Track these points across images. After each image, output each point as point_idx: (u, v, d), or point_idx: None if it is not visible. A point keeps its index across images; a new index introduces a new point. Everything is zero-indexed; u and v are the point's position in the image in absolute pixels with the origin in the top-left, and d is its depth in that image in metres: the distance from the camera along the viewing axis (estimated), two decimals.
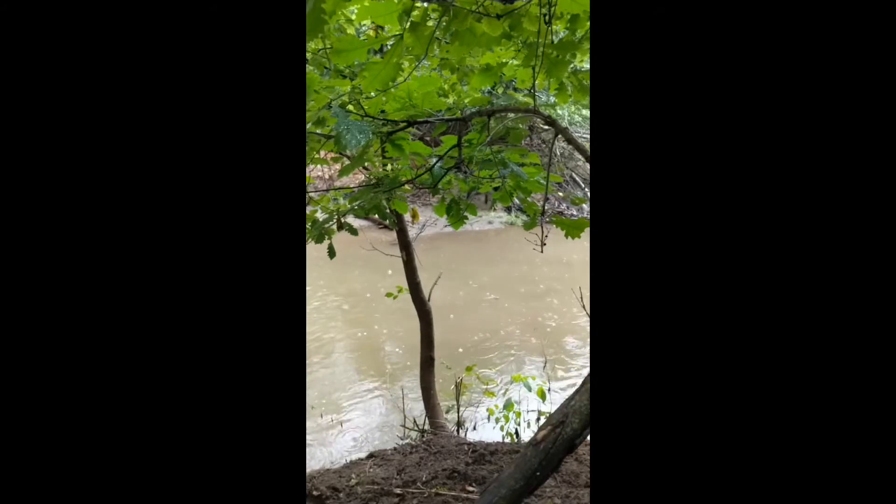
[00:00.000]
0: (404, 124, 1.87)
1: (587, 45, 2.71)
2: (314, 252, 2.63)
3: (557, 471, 0.95)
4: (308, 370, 4.66)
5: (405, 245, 3.63)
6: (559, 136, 1.75)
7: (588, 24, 2.44)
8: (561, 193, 11.44)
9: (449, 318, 6.01)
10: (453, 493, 2.68)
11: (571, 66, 3.35)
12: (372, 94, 1.85)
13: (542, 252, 1.64)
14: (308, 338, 5.37)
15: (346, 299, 6.75)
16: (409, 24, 1.41)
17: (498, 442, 3.32)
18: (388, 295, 3.73)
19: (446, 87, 2.27)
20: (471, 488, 2.73)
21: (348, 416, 4.24)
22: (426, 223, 9.31)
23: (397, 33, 1.48)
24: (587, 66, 3.34)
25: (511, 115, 1.99)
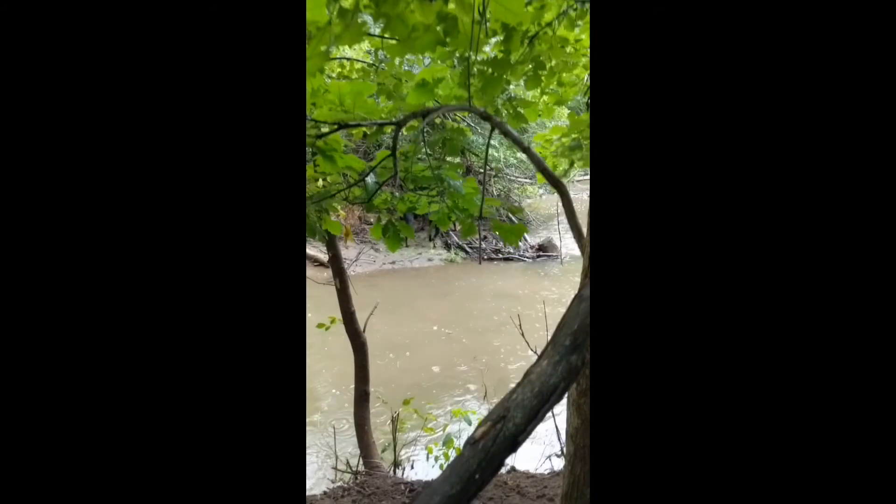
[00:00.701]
0: (334, 127, 1.77)
1: (521, 69, 2.74)
2: None
3: (497, 474, 0.83)
4: None
5: (338, 272, 3.47)
6: (495, 130, 1.70)
7: (520, 44, 2.46)
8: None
9: (388, 356, 5.80)
10: None
11: (506, 90, 3.39)
12: None
13: (479, 263, 1.55)
14: None
15: None
16: (337, 10, 1.33)
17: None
18: (320, 326, 3.53)
19: (383, 96, 2.20)
20: None
21: None
22: (362, 259, 9.13)
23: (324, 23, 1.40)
24: (524, 92, 3.39)
25: (446, 120, 1.93)
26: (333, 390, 4.66)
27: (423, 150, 2.01)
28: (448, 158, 2.20)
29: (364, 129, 1.91)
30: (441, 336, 6.61)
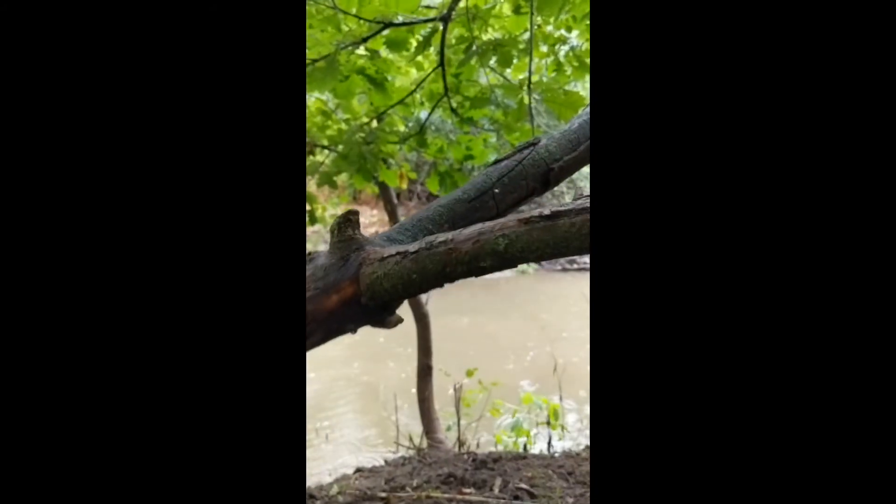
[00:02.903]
0: (379, 26, 1.72)
1: None
2: None
3: (522, 201, 0.68)
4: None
5: None
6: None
7: None
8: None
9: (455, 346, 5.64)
10: (447, 496, 2.28)
11: (569, 41, 3.23)
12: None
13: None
14: None
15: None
16: None
17: (504, 451, 2.92)
18: None
19: None
20: (467, 490, 2.32)
21: (335, 432, 3.85)
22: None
23: None
24: (585, 43, 3.24)
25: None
26: (402, 374, 4.55)
27: (474, 58, 1.91)
28: (499, 73, 2.08)
29: (408, 30, 1.85)
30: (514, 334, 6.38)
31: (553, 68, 2.96)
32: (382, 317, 0.77)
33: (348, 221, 0.77)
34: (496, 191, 0.64)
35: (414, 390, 3.46)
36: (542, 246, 0.64)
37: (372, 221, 11.46)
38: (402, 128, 2.69)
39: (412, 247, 0.74)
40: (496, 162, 0.66)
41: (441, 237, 0.70)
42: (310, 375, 4.76)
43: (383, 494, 2.33)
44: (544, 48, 3.03)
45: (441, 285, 0.71)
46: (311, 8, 1.76)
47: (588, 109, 0.75)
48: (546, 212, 0.64)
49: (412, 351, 3.46)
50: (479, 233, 0.67)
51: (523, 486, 2.32)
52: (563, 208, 0.64)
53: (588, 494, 2.21)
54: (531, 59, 1.78)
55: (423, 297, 3.46)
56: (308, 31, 1.77)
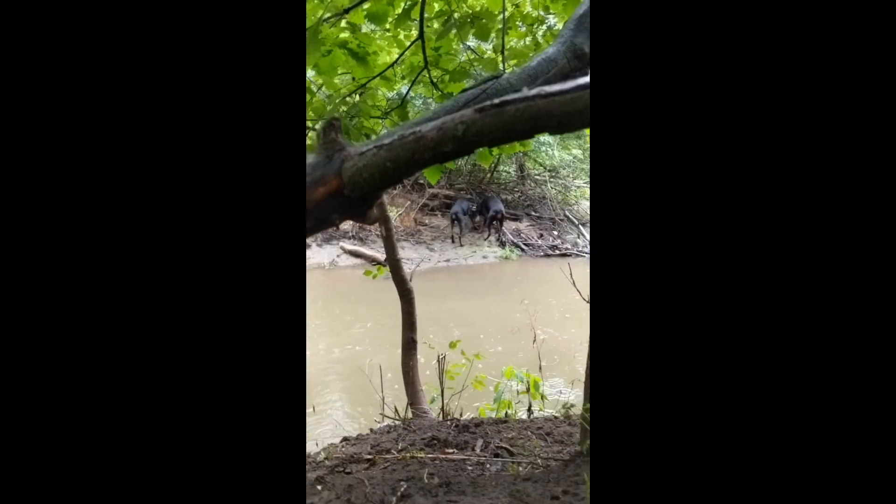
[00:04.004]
0: None
1: None
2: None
3: (485, 122, 0.77)
4: None
5: (383, 220, 3.48)
6: None
7: None
8: (556, 232, 11.38)
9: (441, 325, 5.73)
10: (430, 456, 2.38)
11: (546, 21, 3.31)
12: None
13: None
14: None
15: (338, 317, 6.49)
16: None
17: (486, 417, 3.02)
18: (367, 273, 3.53)
19: None
20: (450, 450, 2.43)
21: (320, 406, 3.92)
22: (416, 258, 9.18)
23: None
24: (561, 23, 3.32)
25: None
26: (385, 353, 4.64)
27: (452, 32, 1.99)
28: (478, 45, 2.16)
29: (388, 2, 1.91)
30: (497, 314, 6.49)
31: (532, 48, 3.04)
32: (363, 210, 0.87)
33: (332, 126, 0.88)
34: (463, 110, 0.73)
35: (394, 369, 3.54)
36: (494, 129, 0.73)
37: None
38: (383, 104, 2.75)
39: (386, 139, 0.86)
40: (464, 90, 0.75)
41: (410, 129, 0.81)
42: None
43: (369, 457, 2.41)
44: (522, 28, 3.11)
45: (412, 173, 0.81)
46: None
47: (548, 50, 0.83)
48: (496, 101, 0.74)
49: (396, 337, 3.55)
50: (441, 122, 0.78)
51: (503, 445, 2.42)
52: (509, 98, 0.74)
53: (565, 451, 2.32)
54: (504, 25, 1.87)
55: (407, 272, 3.54)
56: None
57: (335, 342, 5.74)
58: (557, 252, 10.39)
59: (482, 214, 10.71)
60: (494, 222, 10.45)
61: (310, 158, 0.85)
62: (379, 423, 3.24)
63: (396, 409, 3.33)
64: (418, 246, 10.22)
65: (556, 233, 11.32)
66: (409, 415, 3.36)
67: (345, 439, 2.96)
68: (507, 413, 3.24)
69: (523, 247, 10.56)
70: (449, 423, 2.87)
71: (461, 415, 3.52)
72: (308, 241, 10.70)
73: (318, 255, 9.87)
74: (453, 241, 10.51)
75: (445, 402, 3.37)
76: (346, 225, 10.83)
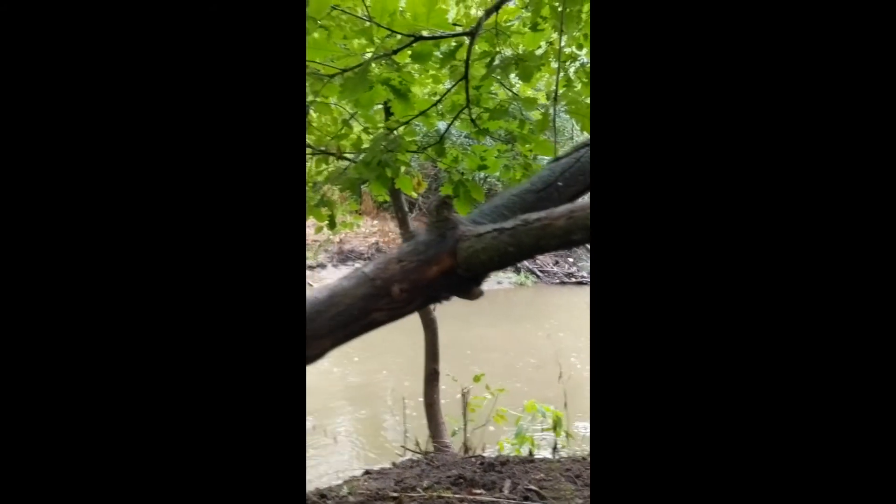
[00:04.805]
0: (408, 39, 1.81)
1: None
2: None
3: (581, 194, 0.77)
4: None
5: (408, 237, 3.48)
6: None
7: None
8: (571, 259, 11.34)
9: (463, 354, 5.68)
10: (458, 496, 2.33)
11: (579, 58, 3.34)
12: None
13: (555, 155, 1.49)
14: None
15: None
16: None
17: (511, 455, 2.97)
18: None
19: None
20: (478, 491, 2.37)
21: (341, 436, 3.87)
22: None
23: None
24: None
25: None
26: (405, 382, 4.60)
27: (496, 72, 2.00)
28: (508, 87, 2.17)
29: (434, 44, 1.93)
30: (516, 346, 6.43)
31: (563, 84, 3.06)
32: (471, 287, 0.87)
33: (444, 205, 0.88)
34: (559, 184, 0.73)
35: (414, 398, 3.50)
36: None
37: (372, 231, 11.50)
38: (417, 137, 2.77)
39: (507, 224, 0.85)
40: (557, 159, 0.75)
41: (535, 215, 0.80)
42: (311, 380, 4.79)
43: (395, 494, 2.37)
44: (554, 65, 3.13)
45: (533, 257, 0.81)
46: (344, 16, 1.85)
47: None
48: None
49: (412, 360, 3.52)
50: (570, 211, 0.78)
51: (532, 487, 2.37)
52: None
53: None
54: (559, 72, 1.87)
55: (432, 304, 3.53)
56: (342, 41, 1.86)
57: (352, 370, 5.71)
58: (573, 280, 10.33)
59: None
60: None
61: (422, 236, 0.86)
62: (401, 455, 3.19)
63: (418, 442, 3.29)
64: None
65: (571, 259, 11.28)
66: (431, 447, 3.31)
67: (367, 472, 2.91)
68: (530, 450, 3.18)
69: (538, 273, 10.52)
70: (473, 460, 2.82)
71: (483, 449, 3.46)
72: (323, 260, 10.73)
73: (334, 276, 9.90)
74: None
75: (467, 436, 3.32)
76: (363, 246, 10.86)
